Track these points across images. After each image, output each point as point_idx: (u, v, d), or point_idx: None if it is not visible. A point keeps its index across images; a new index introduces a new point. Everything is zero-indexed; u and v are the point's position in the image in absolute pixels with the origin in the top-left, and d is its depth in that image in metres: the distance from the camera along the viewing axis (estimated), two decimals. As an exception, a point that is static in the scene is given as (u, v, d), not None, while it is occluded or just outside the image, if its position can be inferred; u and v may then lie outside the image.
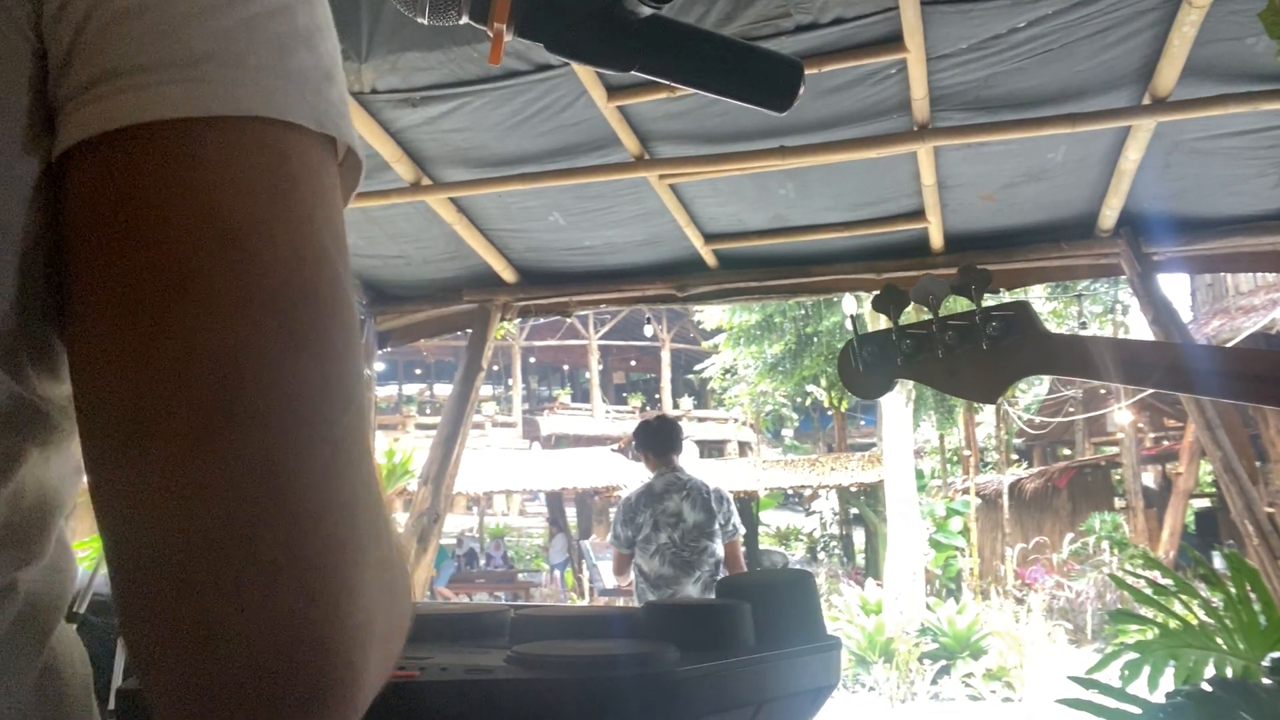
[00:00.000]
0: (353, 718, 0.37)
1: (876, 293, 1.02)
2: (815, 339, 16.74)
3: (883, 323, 1.04)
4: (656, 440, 4.62)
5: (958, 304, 1.01)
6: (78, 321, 0.37)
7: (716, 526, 4.49)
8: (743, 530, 4.66)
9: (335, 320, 0.38)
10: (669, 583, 4.43)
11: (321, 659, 0.35)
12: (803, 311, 16.37)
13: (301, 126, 0.39)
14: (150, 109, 0.36)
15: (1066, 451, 20.36)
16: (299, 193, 0.38)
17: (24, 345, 0.40)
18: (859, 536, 18.48)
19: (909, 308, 1.01)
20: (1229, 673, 2.96)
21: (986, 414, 17.03)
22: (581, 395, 30.01)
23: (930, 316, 1.01)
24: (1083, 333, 16.02)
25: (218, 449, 0.34)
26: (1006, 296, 1.01)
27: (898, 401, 12.50)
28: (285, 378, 0.35)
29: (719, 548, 4.51)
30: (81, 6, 0.38)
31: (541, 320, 8.23)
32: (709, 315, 19.01)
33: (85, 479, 0.46)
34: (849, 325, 1.07)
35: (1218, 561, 7.16)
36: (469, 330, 4.96)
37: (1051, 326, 1.01)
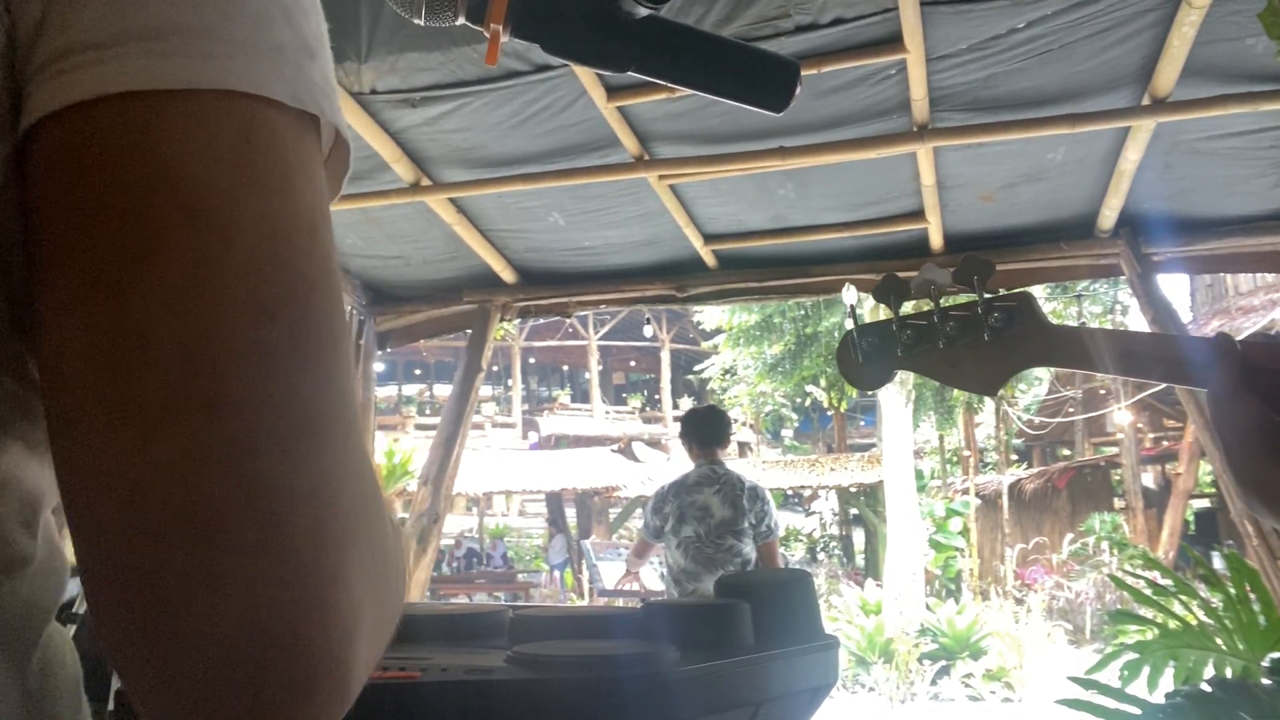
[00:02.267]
0: (339, 712, 0.35)
1: (877, 283, 1.01)
2: (815, 339, 16.74)
3: (882, 314, 1.03)
4: (700, 430, 4.47)
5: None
6: (41, 301, 0.36)
7: (746, 525, 4.27)
8: (780, 532, 4.44)
9: (310, 295, 0.36)
10: (692, 578, 4.26)
11: (304, 652, 0.33)
12: (802, 312, 16.36)
13: (277, 102, 0.37)
14: (113, 82, 0.35)
15: (1066, 452, 20.36)
16: (270, 166, 0.37)
17: (6, 333, 0.39)
18: (859, 537, 18.48)
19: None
20: (1228, 673, 2.96)
21: (986, 414, 17.04)
22: (581, 395, 30.01)
23: (931, 307, 1.01)
24: (1083, 332, 16.00)
25: (184, 429, 0.33)
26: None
27: (897, 402, 12.51)
28: (255, 353, 0.34)
29: (748, 548, 4.28)
30: None
31: (541, 320, 8.23)
32: (709, 315, 19.00)
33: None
34: (848, 316, 1.06)
35: (1217, 562, 7.16)
36: (469, 330, 4.96)
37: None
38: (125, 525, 0.33)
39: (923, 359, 1.00)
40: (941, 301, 0.99)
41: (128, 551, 0.33)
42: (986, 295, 0.98)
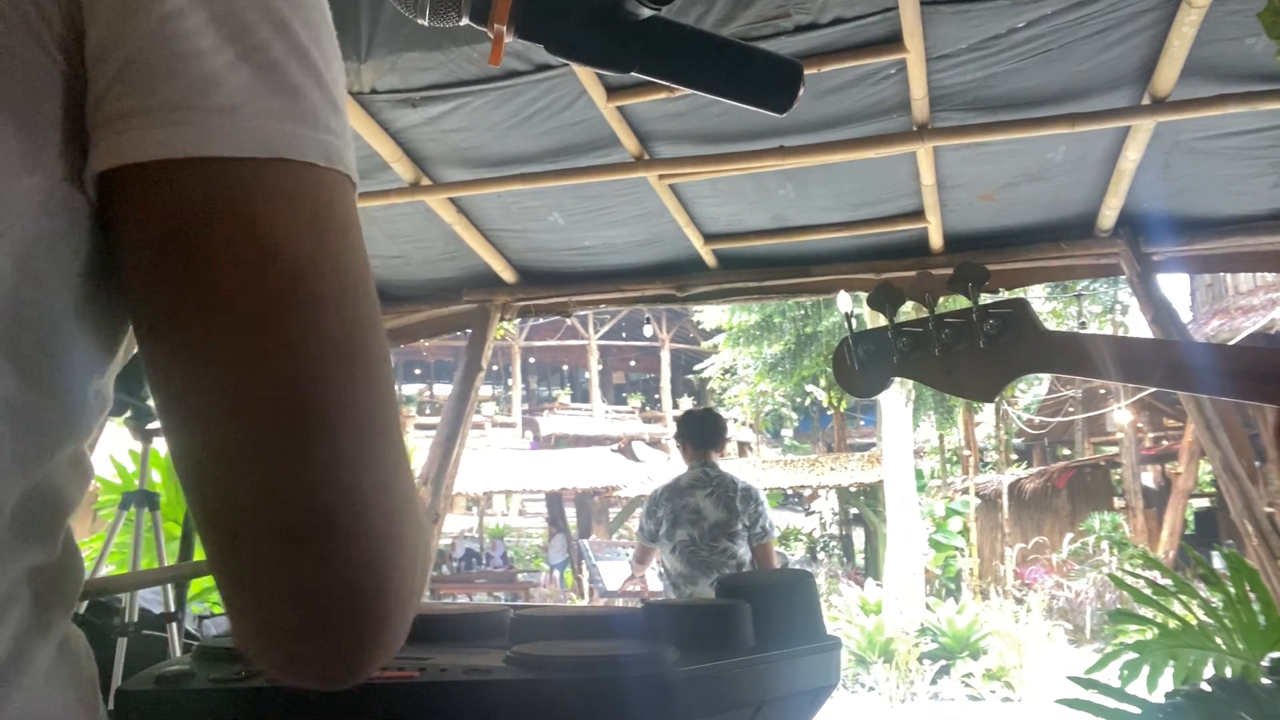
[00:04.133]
0: (400, 640, 0.47)
1: (872, 291, 1.01)
2: (815, 339, 16.75)
3: (880, 320, 1.03)
4: (694, 432, 4.46)
5: (955, 303, 1.01)
6: (160, 345, 0.43)
7: (740, 527, 4.26)
8: (775, 533, 4.41)
9: (375, 333, 0.45)
10: (688, 581, 4.26)
11: (383, 596, 0.45)
12: (802, 311, 16.37)
13: (329, 168, 0.44)
14: (198, 144, 0.41)
15: (1066, 451, 20.37)
16: (336, 229, 0.45)
17: (47, 344, 0.44)
18: (859, 536, 18.49)
19: (906, 305, 1.00)
20: (1228, 673, 2.96)
21: (986, 414, 17.05)
22: (581, 395, 30.01)
23: (927, 314, 1.00)
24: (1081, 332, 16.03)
25: (300, 455, 0.42)
26: (1005, 296, 0.99)
27: (897, 401, 12.51)
28: (348, 392, 0.43)
29: (743, 551, 4.26)
30: (131, 45, 0.42)
31: (541, 320, 8.23)
32: (709, 315, 19.03)
33: (91, 481, 0.49)
34: (845, 322, 1.06)
35: (1217, 561, 7.16)
36: (468, 330, 4.96)
37: (1050, 326, 0.99)
38: (264, 525, 0.43)
39: (919, 366, 1.00)
40: (937, 308, 0.99)
41: (270, 534, 0.43)
42: (982, 302, 0.98)
